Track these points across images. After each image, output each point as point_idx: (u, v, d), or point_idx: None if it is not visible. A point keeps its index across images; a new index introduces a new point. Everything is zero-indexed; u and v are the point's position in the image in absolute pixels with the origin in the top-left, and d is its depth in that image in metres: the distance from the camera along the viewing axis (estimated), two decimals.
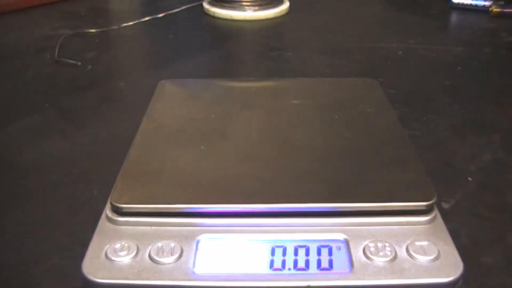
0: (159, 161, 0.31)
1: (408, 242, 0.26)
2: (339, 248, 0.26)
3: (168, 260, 0.25)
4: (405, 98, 0.46)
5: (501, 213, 0.32)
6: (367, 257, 0.25)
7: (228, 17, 0.69)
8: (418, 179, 0.29)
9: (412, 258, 0.25)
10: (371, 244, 0.26)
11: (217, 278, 0.25)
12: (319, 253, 0.26)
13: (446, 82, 0.50)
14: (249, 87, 0.43)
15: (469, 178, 0.35)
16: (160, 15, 0.70)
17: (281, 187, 0.29)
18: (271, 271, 0.25)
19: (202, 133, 0.34)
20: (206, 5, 0.71)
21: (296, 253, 0.26)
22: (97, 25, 0.66)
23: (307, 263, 0.25)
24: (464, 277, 0.25)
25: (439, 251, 0.25)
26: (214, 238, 0.27)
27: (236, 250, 0.26)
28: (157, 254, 0.26)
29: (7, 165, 0.37)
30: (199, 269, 0.25)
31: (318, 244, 0.26)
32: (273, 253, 0.26)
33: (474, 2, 0.71)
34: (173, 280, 0.25)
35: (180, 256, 0.26)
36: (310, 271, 0.25)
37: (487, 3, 0.71)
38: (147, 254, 0.26)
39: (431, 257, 0.25)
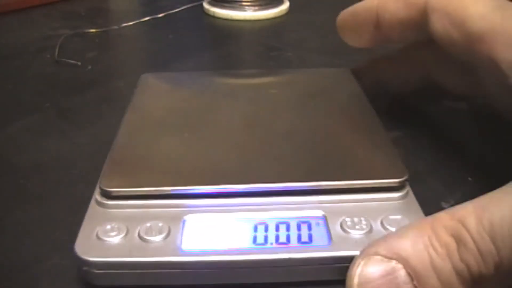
0: (144, 148, 0.33)
1: (382, 216, 0.28)
2: (318, 224, 0.28)
3: (156, 238, 0.27)
4: (405, 98, 0.46)
5: None
6: (344, 231, 0.27)
7: (228, 17, 0.69)
8: (391, 159, 0.31)
9: (386, 230, 0.27)
10: (348, 219, 0.28)
11: (203, 253, 0.26)
12: (299, 228, 0.27)
13: None
14: (229, 78, 0.45)
15: (469, 178, 0.35)
16: (160, 15, 0.70)
17: (262, 169, 0.30)
18: (254, 246, 0.26)
19: (185, 122, 0.36)
20: (206, 5, 0.71)
21: (277, 229, 0.27)
22: (97, 25, 0.66)
23: (288, 237, 0.27)
24: None
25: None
26: (200, 217, 0.28)
27: (220, 228, 0.28)
28: (146, 234, 0.27)
29: (7, 165, 0.37)
30: (186, 246, 0.26)
31: (298, 220, 0.28)
32: (255, 230, 0.27)
33: None
34: (161, 256, 0.26)
35: (168, 235, 0.27)
36: (291, 245, 0.26)
37: None
38: (136, 234, 0.27)
39: None
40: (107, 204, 0.29)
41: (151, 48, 0.63)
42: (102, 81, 0.51)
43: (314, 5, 0.76)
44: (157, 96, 0.41)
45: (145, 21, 0.68)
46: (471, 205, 0.24)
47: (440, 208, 0.27)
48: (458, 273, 0.22)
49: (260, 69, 0.54)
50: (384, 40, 0.37)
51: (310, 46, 0.60)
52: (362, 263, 0.24)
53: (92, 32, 0.64)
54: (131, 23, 0.67)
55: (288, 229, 0.27)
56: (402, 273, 0.23)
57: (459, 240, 0.23)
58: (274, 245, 0.27)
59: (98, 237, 0.27)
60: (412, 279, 0.23)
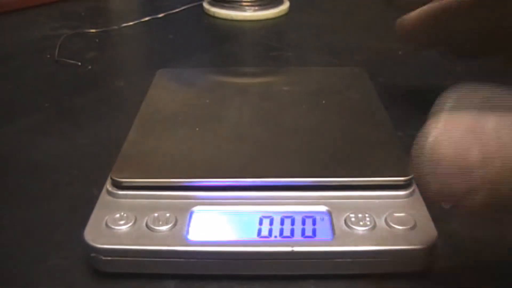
0: (156, 141, 0.33)
1: (387, 213, 0.28)
2: (323, 219, 0.28)
3: (163, 228, 0.27)
4: (405, 98, 0.46)
5: (501, 212, 0.32)
6: (348, 226, 0.27)
7: (228, 17, 0.69)
8: (398, 157, 0.31)
9: (390, 227, 0.27)
10: (352, 215, 0.28)
11: (208, 244, 0.27)
12: (303, 223, 0.28)
13: (446, 82, 0.50)
14: (242, 75, 0.46)
15: None
16: (160, 15, 0.70)
17: (269, 164, 0.31)
18: (258, 238, 0.27)
19: (197, 117, 0.37)
20: (206, 5, 0.71)
21: (282, 223, 0.28)
22: (97, 25, 0.66)
23: (292, 231, 0.27)
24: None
25: (415, 222, 0.27)
26: (207, 209, 0.29)
27: (226, 220, 0.28)
28: (153, 223, 0.27)
29: (7, 165, 0.37)
30: (192, 236, 0.27)
31: (303, 215, 0.28)
32: (261, 223, 0.28)
33: None
34: (168, 245, 0.26)
35: (175, 225, 0.28)
36: (294, 238, 0.27)
37: None
38: (144, 223, 0.28)
39: (408, 227, 0.27)
40: (117, 194, 0.30)
41: (151, 48, 0.63)
42: (102, 81, 0.51)
43: (314, 5, 0.76)
44: (171, 91, 0.41)
45: (145, 21, 0.68)
46: None
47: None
48: None
49: (273, 67, 0.54)
50: None
51: (310, 46, 0.60)
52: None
53: (92, 32, 0.64)
54: (131, 23, 0.67)
55: (293, 223, 0.28)
56: None
57: None
58: (278, 238, 0.27)
59: (107, 225, 0.27)
60: None
